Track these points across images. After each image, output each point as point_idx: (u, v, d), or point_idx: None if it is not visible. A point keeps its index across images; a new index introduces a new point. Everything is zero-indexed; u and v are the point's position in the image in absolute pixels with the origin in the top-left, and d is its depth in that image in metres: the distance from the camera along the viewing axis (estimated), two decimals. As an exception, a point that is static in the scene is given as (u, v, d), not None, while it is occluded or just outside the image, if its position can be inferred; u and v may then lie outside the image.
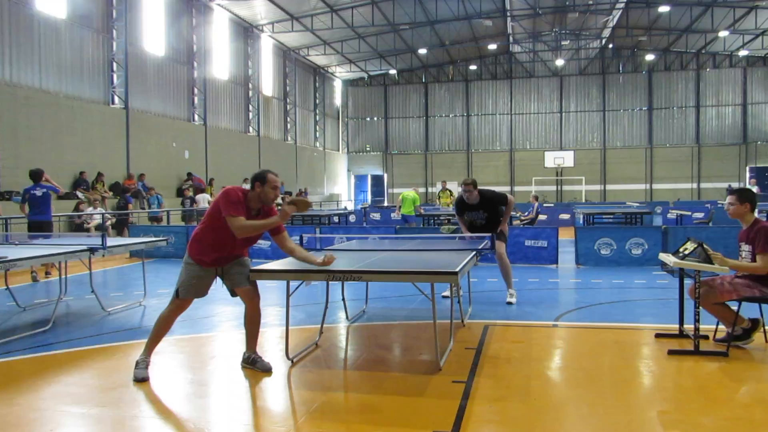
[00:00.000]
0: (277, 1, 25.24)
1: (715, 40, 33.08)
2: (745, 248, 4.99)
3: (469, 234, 7.38)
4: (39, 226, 11.23)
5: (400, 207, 17.44)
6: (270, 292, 8.17)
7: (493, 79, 39.08)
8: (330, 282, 5.05)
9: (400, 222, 17.79)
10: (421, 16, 28.92)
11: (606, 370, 4.71)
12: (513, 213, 20.07)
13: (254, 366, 4.66)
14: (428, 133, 39.88)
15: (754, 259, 4.87)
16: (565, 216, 22.42)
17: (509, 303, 7.34)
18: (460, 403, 3.86)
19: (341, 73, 38.75)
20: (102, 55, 18.67)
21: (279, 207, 4.66)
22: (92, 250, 6.70)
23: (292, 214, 4.58)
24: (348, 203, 38.42)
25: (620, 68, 37.50)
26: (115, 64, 19.10)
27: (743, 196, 5.09)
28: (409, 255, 5.96)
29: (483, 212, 7.43)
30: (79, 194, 16.43)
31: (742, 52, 34.44)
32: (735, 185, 32.32)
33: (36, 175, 11.09)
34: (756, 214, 5.21)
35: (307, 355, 5.10)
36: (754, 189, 23.30)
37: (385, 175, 40.60)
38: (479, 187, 7.47)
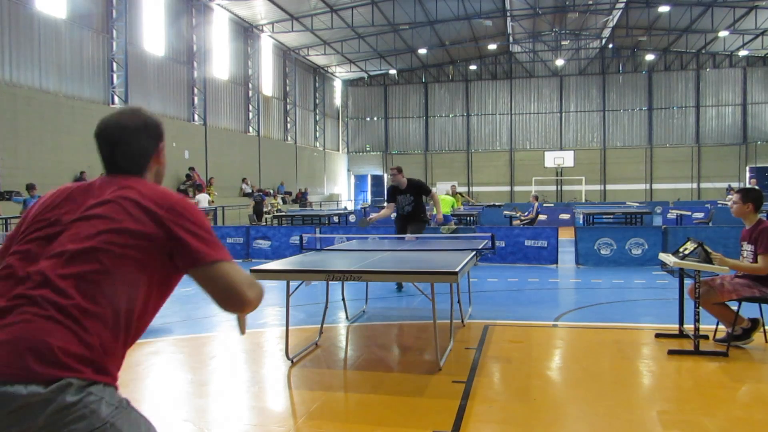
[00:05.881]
0: (277, 1, 25.24)
1: (715, 40, 33.08)
2: (747, 248, 4.98)
3: (375, 216, 8.51)
4: None
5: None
6: (270, 292, 8.18)
7: (493, 79, 39.08)
8: (330, 282, 5.04)
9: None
10: (421, 16, 28.92)
11: (606, 369, 4.70)
12: (513, 213, 20.20)
13: None
14: (428, 133, 39.88)
15: (755, 259, 4.86)
16: (565, 216, 22.40)
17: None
18: (460, 403, 3.86)
19: (341, 73, 38.75)
20: (102, 55, 18.67)
21: None
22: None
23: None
24: (348, 203, 38.42)
25: (620, 68, 37.50)
26: (115, 64, 19.10)
27: (747, 195, 5.09)
28: (409, 255, 5.96)
29: (410, 195, 8.29)
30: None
31: (742, 52, 34.44)
32: (735, 185, 32.31)
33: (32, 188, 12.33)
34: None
35: (307, 355, 5.10)
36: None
37: (385, 175, 40.59)
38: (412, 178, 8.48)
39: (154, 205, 1.61)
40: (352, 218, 21.27)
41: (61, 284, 1.47)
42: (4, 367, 1.38)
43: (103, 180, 1.73)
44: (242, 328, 2.00)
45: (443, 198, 17.31)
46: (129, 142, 1.75)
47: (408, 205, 8.30)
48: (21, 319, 1.43)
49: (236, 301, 1.62)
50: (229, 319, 6.66)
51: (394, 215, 8.57)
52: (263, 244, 12.44)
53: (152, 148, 1.81)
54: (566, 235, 13.28)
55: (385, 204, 8.66)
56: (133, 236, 1.56)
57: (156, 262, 1.60)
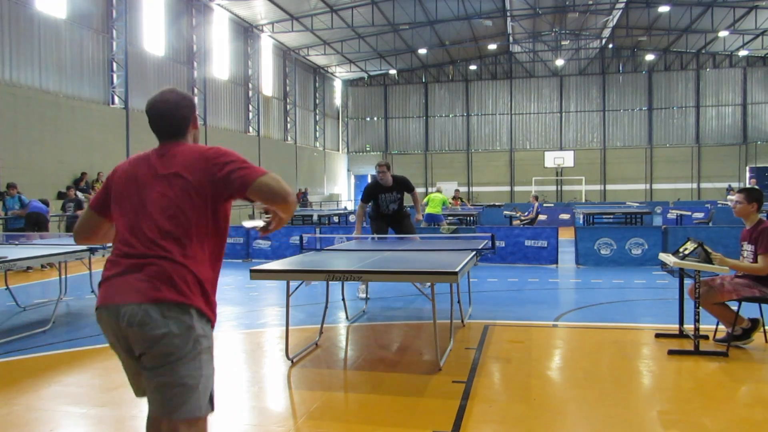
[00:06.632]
0: (277, 1, 25.25)
1: (715, 40, 33.09)
2: (748, 248, 4.99)
3: (356, 234, 7.68)
4: (36, 219, 11.61)
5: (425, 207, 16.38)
6: (270, 292, 8.18)
7: (493, 79, 39.08)
8: (330, 282, 5.04)
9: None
10: (421, 16, 28.92)
11: (606, 370, 4.70)
12: (513, 213, 20.20)
13: None
14: (428, 133, 39.89)
15: (755, 260, 4.86)
16: (565, 216, 22.41)
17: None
18: (460, 403, 3.86)
19: (341, 73, 38.75)
20: (102, 55, 18.67)
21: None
22: (92, 250, 6.70)
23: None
24: (348, 203, 38.42)
25: (620, 68, 37.51)
26: (115, 64, 19.11)
27: (751, 195, 5.09)
28: (409, 255, 5.95)
29: (396, 193, 7.73)
30: (79, 194, 16.43)
31: (742, 52, 34.46)
32: (735, 185, 32.32)
33: (44, 201, 12.68)
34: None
35: (307, 355, 5.10)
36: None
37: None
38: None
39: (203, 161, 2.18)
40: (351, 218, 21.28)
41: (164, 242, 2.10)
42: (147, 295, 2.05)
43: (159, 151, 2.28)
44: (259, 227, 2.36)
45: (434, 196, 17.13)
46: (173, 112, 2.29)
47: (393, 203, 7.76)
48: (152, 264, 2.08)
49: (280, 198, 2.15)
50: (229, 320, 6.66)
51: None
52: (263, 244, 12.45)
53: (189, 116, 2.35)
54: (566, 235, 13.28)
55: (359, 206, 7.95)
56: (198, 192, 2.15)
57: (220, 202, 2.19)
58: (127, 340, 2.13)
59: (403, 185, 7.81)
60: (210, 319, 2.17)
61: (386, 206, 7.78)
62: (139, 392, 2.26)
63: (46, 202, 12.81)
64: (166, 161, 2.21)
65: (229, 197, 2.19)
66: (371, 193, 7.77)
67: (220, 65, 25.54)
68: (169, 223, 2.11)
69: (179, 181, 2.15)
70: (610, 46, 35.89)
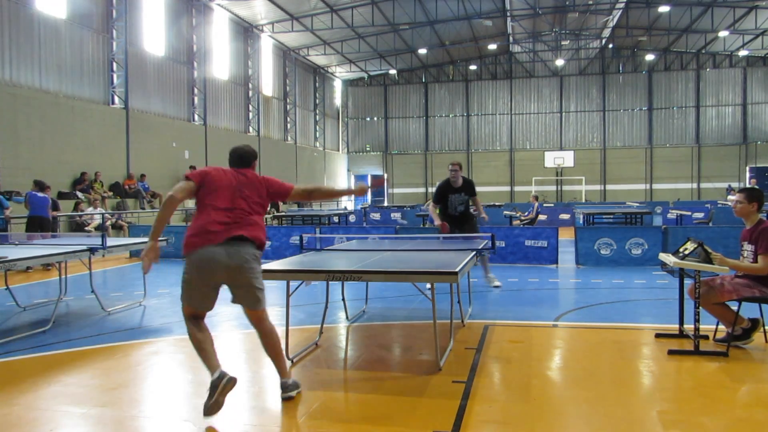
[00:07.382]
0: (277, 1, 25.25)
1: (715, 40, 33.10)
2: (748, 248, 4.99)
3: (439, 222, 7.95)
4: (39, 222, 11.47)
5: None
6: (270, 292, 8.17)
7: (493, 79, 39.09)
8: (330, 282, 5.04)
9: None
10: (421, 16, 28.93)
11: (606, 370, 4.70)
12: (513, 213, 20.21)
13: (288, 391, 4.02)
14: (428, 133, 39.89)
15: (755, 259, 4.86)
16: (565, 216, 22.41)
17: (497, 286, 8.08)
18: (460, 403, 3.86)
19: (341, 73, 38.75)
20: (102, 55, 18.67)
21: None
22: (92, 250, 6.70)
23: None
24: (348, 203, 38.42)
25: (620, 68, 37.51)
26: (115, 64, 19.11)
27: (752, 195, 5.09)
28: (409, 255, 5.95)
29: (464, 194, 8.05)
30: (79, 194, 16.44)
31: (742, 52, 34.46)
32: (735, 185, 32.32)
33: (41, 186, 12.00)
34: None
35: (307, 355, 5.10)
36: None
37: (385, 175, 40.61)
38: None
39: (265, 181, 4.14)
40: (352, 218, 21.28)
41: (252, 216, 3.96)
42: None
43: (239, 171, 4.09)
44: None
45: None
46: (245, 157, 4.16)
47: (461, 205, 8.01)
48: (246, 224, 3.92)
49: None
50: (229, 320, 6.67)
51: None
52: (263, 244, 12.44)
53: (252, 161, 4.21)
54: (566, 235, 13.29)
55: (431, 205, 8.24)
56: (264, 195, 4.11)
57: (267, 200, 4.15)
58: (219, 269, 3.78)
59: (470, 188, 8.13)
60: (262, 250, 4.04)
61: (454, 208, 8.01)
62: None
63: (43, 187, 12.12)
64: (249, 175, 4.07)
65: (272, 198, 4.20)
66: (442, 193, 8.02)
67: (220, 65, 25.55)
68: (256, 205, 4.02)
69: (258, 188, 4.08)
70: (610, 46, 35.89)
